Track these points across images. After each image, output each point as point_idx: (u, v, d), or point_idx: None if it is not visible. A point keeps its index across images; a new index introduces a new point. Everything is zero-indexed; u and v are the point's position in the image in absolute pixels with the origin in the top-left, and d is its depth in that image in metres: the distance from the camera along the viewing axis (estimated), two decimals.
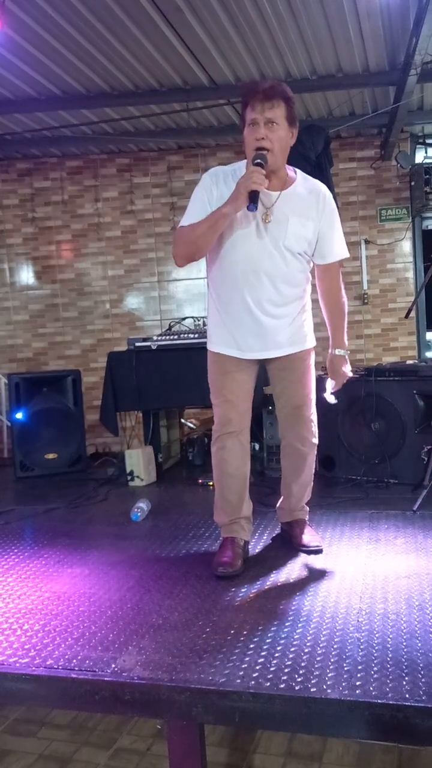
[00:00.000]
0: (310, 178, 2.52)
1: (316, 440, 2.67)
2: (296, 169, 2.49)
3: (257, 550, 2.74)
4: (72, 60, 4.36)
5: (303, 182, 2.47)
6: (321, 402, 2.72)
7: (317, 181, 2.51)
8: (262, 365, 2.62)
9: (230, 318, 2.49)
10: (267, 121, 2.29)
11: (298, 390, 2.59)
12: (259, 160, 2.26)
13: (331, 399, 2.69)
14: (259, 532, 2.96)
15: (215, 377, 2.57)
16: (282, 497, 2.77)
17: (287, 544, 2.76)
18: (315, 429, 2.66)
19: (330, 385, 2.67)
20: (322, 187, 2.49)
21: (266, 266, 2.41)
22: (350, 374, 2.68)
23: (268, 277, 2.42)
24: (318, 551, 2.63)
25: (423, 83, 4.65)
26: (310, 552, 2.63)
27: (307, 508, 2.78)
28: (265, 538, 2.90)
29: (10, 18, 3.73)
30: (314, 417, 2.65)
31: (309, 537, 2.69)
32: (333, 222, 2.49)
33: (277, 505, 2.81)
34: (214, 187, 2.38)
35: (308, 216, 2.42)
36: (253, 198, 2.24)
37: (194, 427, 5.37)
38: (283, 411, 2.65)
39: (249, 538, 2.66)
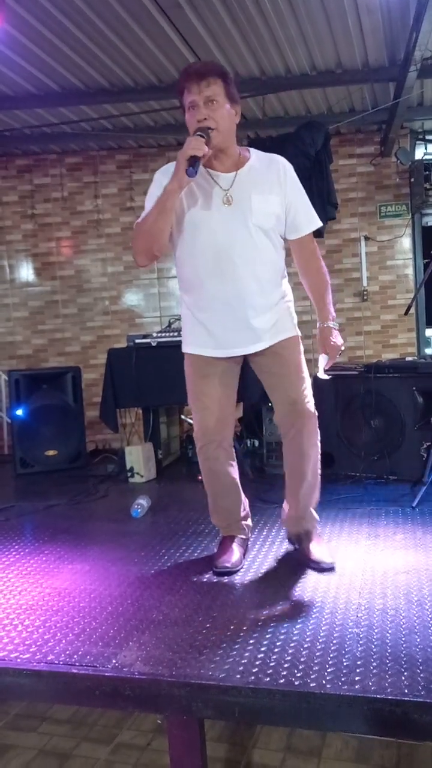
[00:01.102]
0: (265, 153, 2.40)
1: (318, 436, 2.49)
2: (249, 148, 2.39)
3: (256, 547, 2.74)
4: (71, 56, 4.36)
5: (258, 158, 2.35)
6: (316, 383, 2.56)
7: (273, 154, 2.39)
8: (246, 362, 2.47)
9: (205, 315, 2.35)
10: (206, 101, 2.18)
11: (292, 382, 2.40)
12: (199, 133, 2.15)
13: (323, 375, 2.44)
14: (258, 528, 2.96)
15: (193, 381, 2.44)
16: (288, 507, 2.55)
17: (294, 556, 2.57)
18: (316, 423, 2.47)
19: (323, 360, 2.40)
20: (280, 159, 2.36)
21: (237, 251, 2.26)
22: (341, 344, 2.41)
23: (242, 263, 2.27)
24: (330, 569, 2.38)
25: (423, 79, 4.66)
26: (321, 570, 2.38)
27: (317, 517, 2.54)
28: (264, 534, 2.91)
29: (9, 14, 3.73)
30: (314, 411, 2.46)
31: (320, 552, 2.45)
32: (297, 192, 2.36)
33: (283, 516, 2.60)
34: (164, 179, 2.24)
35: (270, 190, 2.29)
36: (192, 163, 2.12)
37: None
38: (279, 407, 2.46)
39: (248, 536, 2.64)
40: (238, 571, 2.44)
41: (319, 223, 2.42)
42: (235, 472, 2.54)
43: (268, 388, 2.48)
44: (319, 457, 2.50)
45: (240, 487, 2.57)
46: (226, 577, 2.40)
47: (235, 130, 2.31)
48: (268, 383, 2.46)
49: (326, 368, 2.42)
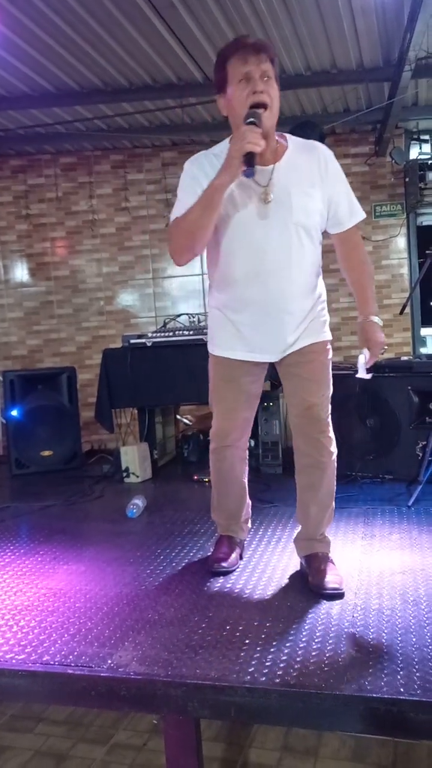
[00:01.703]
0: (301, 139, 2.23)
1: (335, 450, 2.33)
2: (285, 135, 2.21)
3: (252, 546, 2.74)
4: (65, 56, 4.34)
5: (296, 147, 2.18)
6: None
7: (311, 141, 2.23)
8: (272, 364, 2.35)
9: (238, 317, 2.22)
10: (263, 74, 2.01)
11: (312, 387, 2.26)
12: (252, 119, 1.97)
13: (365, 375, 2.22)
14: (254, 527, 2.96)
15: (216, 384, 2.33)
16: (300, 526, 2.41)
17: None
18: (332, 435, 2.32)
19: (364, 357, 2.20)
20: (320, 147, 2.20)
21: (276, 252, 2.12)
22: (384, 342, 2.22)
23: (281, 265, 2.13)
24: (337, 595, 2.17)
25: (417, 79, 4.66)
26: (327, 596, 2.17)
27: (329, 539, 2.38)
28: (260, 533, 2.91)
29: (2, 14, 3.72)
30: (330, 421, 2.31)
31: (328, 576, 2.23)
32: (341, 182, 2.19)
33: (294, 536, 2.45)
34: (198, 170, 2.12)
35: (312, 183, 2.13)
36: (249, 161, 1.95)
37: (190, 423, 5.37)
38: (295, 412, 2.31)
39: (245, 537, 2.63)
40: (233, 571, 2.44)
41: (363, 215, 2.25)
42: (245, 476, 2.49)
43: (287, 392, 2.35)
44: (335, 474, 2.36)
45: (247, 490, 2.52)
46: (221, 577, 2.40)
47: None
48: (289, 386, 2.32)
49: (368, 367, 2.22)
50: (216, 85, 2.14)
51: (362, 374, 2.23)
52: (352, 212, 2.22)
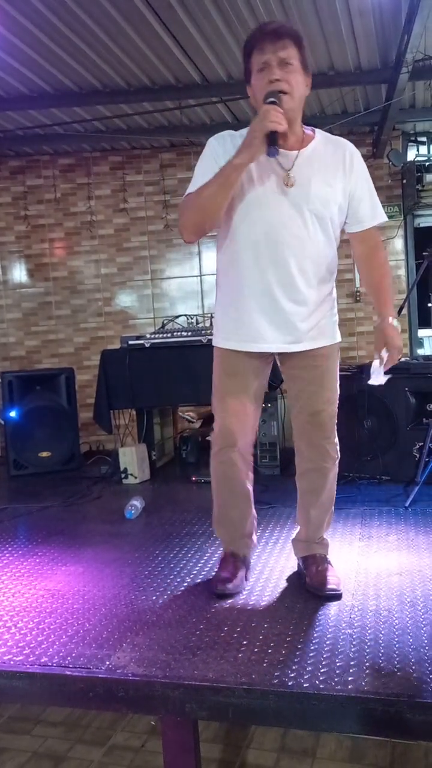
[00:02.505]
0: (332, 135, 2.20)
1: (338, 455, 2.30)
2: (316, 129, 2.18)
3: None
4: (64, 58, 4.35)
5: (324, 139, 2.15)
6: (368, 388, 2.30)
7: (342, 139, 2.19)
8: (275, 361, 2.29)
9: (243, 302, 2.14)
10: (281, 62, 1.97)
11: (319, 392, 2.21)
12: (272, 99, 1.94)
13: (380, 380, 2.13)
14: None
15: (220, 379, 2.25)
16: (299, 527, 2.40)
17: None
18: (337, 441, 2.29)
19: (379, 362, 2.12)
20: (348, 144, 2.16)
21: (288, 238, 2.06)
22: (402, 347, 2.15)
23: (291, 252, 2.08)
24: (335, 596, 2.17)
25: (414, 81, 4.66)
26: (325, 597, 2.17)
27: (327, 542, 2.38)
28: (258, 534, 2.91)
29: (2, 15, 3.72)
30: (335, 427, 2.28)
31: (326, 577, 2.23)
32: (364, 180, 2.16)
33: (293, 536, 2.44)
34: (220, 148, 2.06)
35: (335, 175, 2.09)
36: (272, 140, 1.91)
37: (193, 420, 5.37)
38: (299, 417, 2.26)
39: (251, 555, 2.45)
40: (239, 593, 2.26)
41: (385, 218, 2.21)
42: (250, 482, 2.33)
43: (291, 395, 2.30)
44: (336, 478, 2.34)
45: (252, 501, 2.36)
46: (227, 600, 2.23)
47: (304, 103, 2.10)
48: (294, 390, 2.27)
49: (385, 370, 2.12)
50: (245, 77, 2.12)
51: (376, 380, 2.13)
52: (374, 212, 2.18)
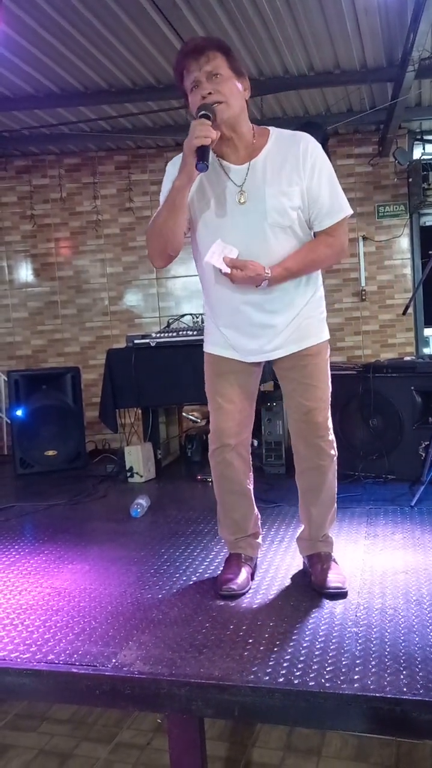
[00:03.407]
0: (289, 132, 2.09)
1: (334, 452, 2.28)
2: (270, 128, 2.09)
3: None
4: (70, 57, 4.36)
5: (277, 141, 2.05)
6: None
7: (297, 133, 2.08)
8: (268, 362, 2.29)
9: (221, 320, 2.17)
10: (209, 75, 1.95)
11: (309, 390, 2.19)
12: (203, 111, 1.91)
13: (217, 260, 2.00)
14: None
15: (210, 380, 2.27)
16: (302, 526, 2.38)
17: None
18: (332, 438, 2.27)
19: (227, 250, 2.02)
20: (302, 138, 2.05)
21: (254, 255, 2.01)
22: (256, 274, 1.99)
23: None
24: (340, 594, 2.16)
25: (420, 79, 4.66)
26: (330, 595, 2.16)
27: (332, 539, 2.36)
28: (263, 533, 2.91)
29: (8, 16, 3.73)
30: (330, 424, 2.25)
31: (331, 576, 2.22)
32: (321, 177, 2.03)
33: (297, 535, 2.43)
34: (175, 171, 2.03)
35: (289, 181, 2.01)
36: (201, 155, 1.88)
37: (197, 420, 5.38)
38: (293, 417, 2.26)
39: (256, 555, 2.43)
40: (244, 594, 2.23)
41: (347, 212, 2.09)
42: (249, 482, 2.34)
43: (284, 395, 2.30)
44: (335, 475, 2.32)
45: (253, 500, 2.36)
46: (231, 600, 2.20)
47: (246, 108, 2.05)
48: (287, 390, 2.27)
49: (219, 261, 1.99)
50: (184, 100, 2.10)
51: (211, 258, 2.01)
52: (336, 208, 2.07)
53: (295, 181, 2.02)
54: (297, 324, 2.15)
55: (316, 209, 2.06)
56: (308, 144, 2.04)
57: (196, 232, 2.12)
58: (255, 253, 2.04)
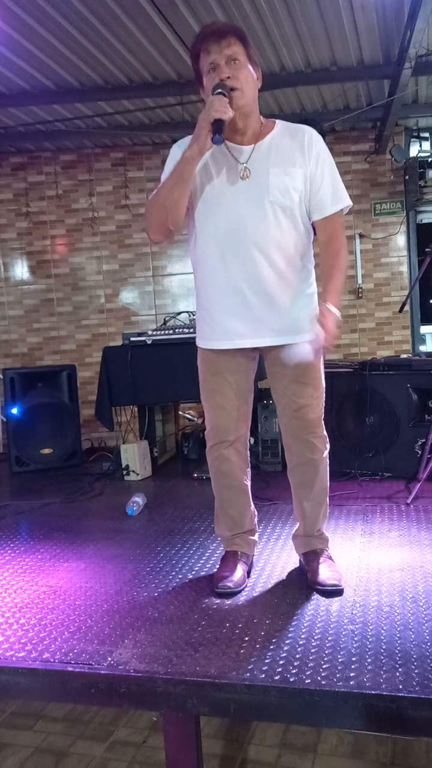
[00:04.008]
0: (294, 124, 2.17)
1: (327, 447, 2.30)
2: (277, 120, 2.17)
3: None
4: (66, 53, 4.34)
5: (283, 128, 2.13)
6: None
7: (301, 125, 2.15)
8: (261, 358, 2.29)
9: (213, 302, 2.15)
10: (228, 59, 2.00)
11: (302, 388, 2.18)
12: (220, 90, 1.95)
13: (291, 360, 2.10)
14: None
15: (204, 378, 2.27)
16: (297, 524, 2.40)
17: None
18: (324, 434, 2.29)
19: (308, 340, 2.07)
20: (307, 129, 2.13)
21: (252, 231, 2.05)
22: (334, 333, 2.00)
23: (257, 245, 2.06)
24: (336, 592, 2.17)
25: (417, 77, 4.65)
26: (326, 592, 2.17)
27: (327, 536, 2.38)
28: (260, 531, 2.91)
29: (3, 11, 3.71)
30: (322, 420, 2.27)
31: (327, 573, 2.23)
32: (324, 165, 2.10)
33: (293, 532, 2.44)
34: (180, 152, 2.07)
35: (293, 162, 2.07)
36: (217, 128, 1.92)
37: (193, 418, 5.38)
38: (284, 414, 2.26)
39: (252, 552, 2.45)
40: (240, 591, 2.24)
41: (347, 202, 2.15)
42: (246, 478, 2.35)
43: (275, 392, 2.29)
44: (327, 469, 2.33)
45: (250, 497, 2.38)
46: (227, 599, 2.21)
47: (257, 97, 2.11)
48: (278, 387, 2.26)
49: (296, 360, 2.06)
50: (196, 80, 2.14)
51: (299, 356, 2.07)
52: (335, 198, 2.12)
53: (299, 164, 2.08)
54: (292, 314, 2.14)
55: (318, 196, 2.11)
56: (313, 135, 2.12)
57: (194, 209, 2.13)
58: (252, 229, 2.06)
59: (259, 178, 2.06)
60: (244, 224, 2.06)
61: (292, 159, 2.08)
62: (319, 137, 2.14)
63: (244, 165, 2.08)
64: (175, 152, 2.13)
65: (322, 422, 2.28)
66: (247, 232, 2.06)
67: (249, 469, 2.37)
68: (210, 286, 2.17)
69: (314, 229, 2.21)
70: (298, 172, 2.08)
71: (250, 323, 2.14)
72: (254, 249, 2.07)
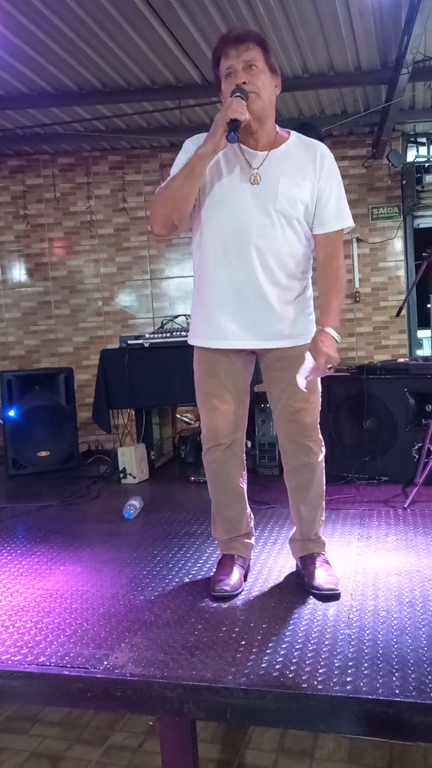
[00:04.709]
0: (308, 137, 2.20)
1: (323, 450, 2.31)
2: (292, 131, 2.20)
3: None
4: (64, 57, 4.35)
5: (297, 140, 2.17)
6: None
7: (316, 141, 2.19)
8: (257, 362, 2.31)
9: (211, 301, 2.16)
10: (246, 65, 2.03)
11: (298, 391, 2.14)
12: (238, 94, 1.98)
13: (302, 383, 2.07)
14: None
15: (201, 380, 2.26)
16: (294, 528, 2.41)
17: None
18: (320, 437, 2.31)
19: (309, 364, 2.06)
20: (321, 145, 2.17)
21: (256, 236, 2.08)
22: (335, 359, 2.07)
23: (258, 251, 2.09)
24: (333, 596, 2.18)
25: (414, 82, 4.67)
26: (322, 597, 2.18)
27: (324, 540, 2.39)
28: (256, 535, 2.90)
29: (1, 15, 3.72)
30: (318, 424, 2.28)
31: (324, 577, 2.24)
32: (333, 182, 2.14)
33: (290, 536, 2.45)
34: (194, 147, 2.08)
35: (303, 175, 2.10)
36: (233, 127, 1.95)
37: (190, 422, 5.37)
38: (281, 418, 2.27)
39: (249, 555, 2.44)
40: (237, 595, 2.24)
41: (350, 223, 2.19)
42: (243, 481, 2.35)
43: (272, 396, 2.30)
44: (324, 473, 2.34)
45: (246, 499, 2.38)
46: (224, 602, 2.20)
47: (274, 104, 2.14)
48: (275, 390, 2.27)
49: (308, 378, 2.06)
50: (216, 85, 2.17)
51: (299, 381, 2.08)
52: (339, 215, 2.16)
53: (309, 177, 2.11)
54: (288, 320, 2.17)
55: (324, 213, 2.14)
56: (326, 152, 2.16)
57: (201, 206, 2.14)
58: (256, 234, 2.09)
59: (269, 185, 2.08)
60: (250, 228, 2.09)
61: (303, 172, 2.11)
62: (331, 155, 2.18)
63: (256, 170, 2.09)
64: (188, 147, 2.13)
65: (318, 426, 2.30)
66: (252, 236, 2.09)
67: (245, 472, 2.38)
68: (210, 284, 2.17)
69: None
70: (307, 185, 2.11)
71: (247, 325, 2.15)
72: (256, 253, 2.10)
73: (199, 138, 2.12)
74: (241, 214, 2.09)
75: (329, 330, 2.11)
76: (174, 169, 2.14)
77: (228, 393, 2.23)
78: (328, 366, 2.08)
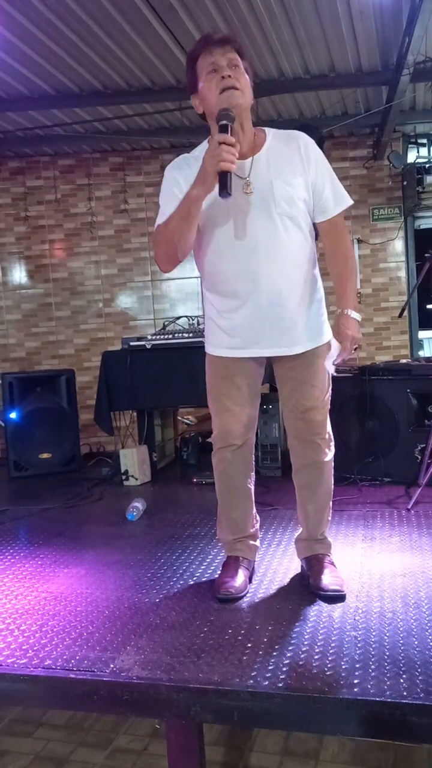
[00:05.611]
0: (281, 130, 2.18)
1: (332, 450, 2.31)
2: (265, 128, 2.16)
3: None
4: (65, 58, 4.35)
5: (275, 137, 2.14)
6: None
7: (291, 131, 2.17)
8: (269, 363, 2.30)
9: (229, 315, 2.16)
10: (229, 63, 2.01)
11: (310, 390, 2.19)
12: (224, 121, 1.93)
13: (330, 368, 2.17)
14: None
15: (213, 383, 2.26)
16: (300, 528, 2.39)
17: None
18: (330, 437, 2.30)
19: (335, 349, 2.12)
20: (299, 135, 2.14)
21: (262, 245, 2.06)
22: (359, 337, 2.14)
23: (269, 258, 2.07)
24: (338, 597, 2.16)
25: (415, 83, 4.67)
26: (327, 598, 2.17)
27: (329, 542, 2.38)
28: (260, 536, 2.90)
29: (2, 16, 3.72)
30: (328, 424, 2.28)
31: (329, 578, 2.22)
32: (322, 168, 2.13)
33: (296, 536, 2.43)
34: (179, 175, 2.08)
35: (294, 172, 2.08)
36: (223, 181, 1.89)
37: (191, 423, 5.37)
38: (291, 416, 2.27)
39: (254, 557, 2.43)
40: (242, 597, 2.23)
41: (348, 202, 2.18)
42: (250, 481, 2.35)
43: (283, 394, 2.29)
44: (332, 473, 2.34)
45: (253, 500, 2.38)
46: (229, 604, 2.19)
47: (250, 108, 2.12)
48: (286, 389, 2.26)
49: (336, 362, 2.14)
50: (189, 88, 2.13)
51: (329, 367, 2.18)
52: (337, 198, 2.15)
53: (299, 172, 2.10)
54: (305, 321, 2.17)
55: (321, 200, 2.14)
56: (306, 140, 2.14)
57: (202, 226, 2.11)
58: (264, 243, 2.07)
59: (264, 191, 2.06)
60: (256, 238, 2.07)
61: (292, 168, 2.09)
62: (312, 141, 2.15)
63: (246, 179, 2.06)
64: (171, 177, 2.12)
65: (328, 424, 2.29)
66: (260, 246, 2.07)
67: (253, 474, 2.37)
68: (226, 298, 2.16)
69: (317, 233, 2.22)
70: (299, 180, 2.09)
71: (268, 334, 2.15)
72: (265, 263, 2.08)
73: (179, 164, 2.11)
74: (243, 226, 2.07)
75: (349, 311, 2.12)
76: (162, 201, 2.12)
77: (241, 395, 2.24)
78: (354, 347, 2.12)
